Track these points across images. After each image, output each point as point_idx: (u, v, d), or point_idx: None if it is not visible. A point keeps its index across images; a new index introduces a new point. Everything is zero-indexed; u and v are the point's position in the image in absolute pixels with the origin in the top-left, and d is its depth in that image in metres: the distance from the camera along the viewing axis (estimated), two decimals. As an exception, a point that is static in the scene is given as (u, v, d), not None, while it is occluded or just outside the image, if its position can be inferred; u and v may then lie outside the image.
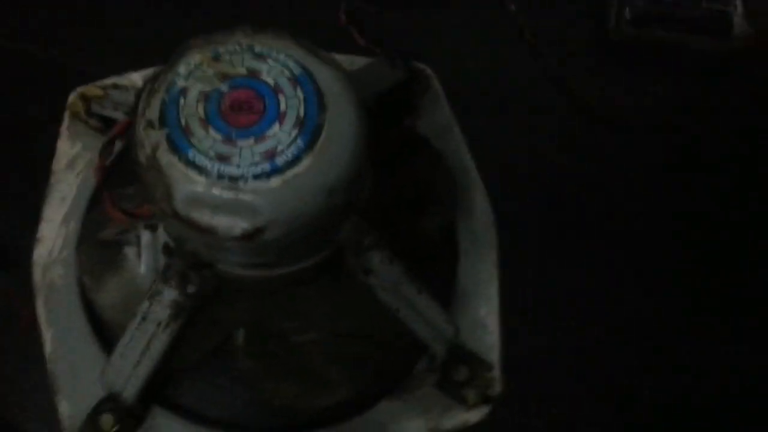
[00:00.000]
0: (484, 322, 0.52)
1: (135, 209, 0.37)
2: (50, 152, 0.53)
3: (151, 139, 0.33)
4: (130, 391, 0.44)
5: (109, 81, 0.55)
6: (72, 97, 0.54)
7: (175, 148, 0.33)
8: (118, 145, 0.46)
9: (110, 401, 0.45)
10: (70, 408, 0.47)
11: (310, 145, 0.33)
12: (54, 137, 0.54)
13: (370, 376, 0.49)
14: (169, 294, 0.40)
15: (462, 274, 0.53)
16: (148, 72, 0.56)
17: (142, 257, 0.48)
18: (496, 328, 0.52)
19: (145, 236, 0.48)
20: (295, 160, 0.33)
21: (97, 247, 0.48)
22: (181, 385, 0.48)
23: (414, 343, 0.49)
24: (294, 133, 0.34)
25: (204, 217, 0.33)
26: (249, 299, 0.45)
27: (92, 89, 0.54)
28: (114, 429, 0.45)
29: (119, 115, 0.46)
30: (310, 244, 0.38)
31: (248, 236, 0.33)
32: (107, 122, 0.52)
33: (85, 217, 0.51)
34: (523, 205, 0.70)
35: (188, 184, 0.32)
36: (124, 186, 0.47)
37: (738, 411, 0.72)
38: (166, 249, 0.39)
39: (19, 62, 0.64)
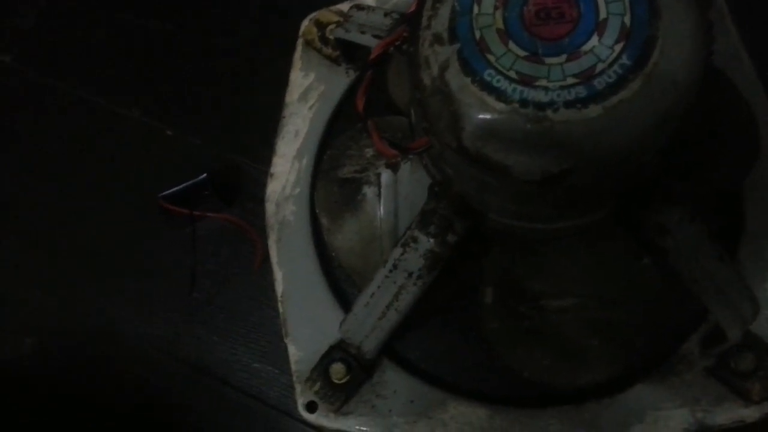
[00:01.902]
0: (774, 301, 0.42)
1: (407, 143, 0.32)
2: (276, 81, 0.50)
3: (438, 57, 0.27)
4: (370, 344, 0.41)
5: (342, 6, 0.51)
6: (306, 24, 0.51)
7: (467, 68, 0.27)
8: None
9: (340, 349, 0.43)
10: (299, 353, 0.44)
11: (639, 63, 0.26)
12: (278, 67, 0.50)
13: (632, 352, 0.41)
14: (427, 242, 0.35)
15: (748, 240, 0.43)
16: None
17: (382, 199, 0.44)
18: (788, 309, 0.42)
19: (386, 176, 0.44)
20: (620, 82, 0.26)
21: (335, 184, 0.45)
22: (414, 340, 0.44)
23: (684, 319, 0.41)
24: (618, 47, 0.26)
25: (498, 153, 0.26)
26: (502, 253, 0.39)
27: (327, 14, 0.50)
28: (344, 380, 0.42)
29: (367, 39, 0.41)
30: (610, 192, 0.31)
31: (551, 180, 0.26)
32: (346, 49, 0.48)
33: (321, 152, 0.48)
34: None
35: (482, 112, 0.26)
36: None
37: None
38: (434, 190, 0.33)
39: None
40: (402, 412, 0.42)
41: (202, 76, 0.61)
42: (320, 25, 0.50)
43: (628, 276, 0.40)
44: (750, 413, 0.40)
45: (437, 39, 0.27)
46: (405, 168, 0.43)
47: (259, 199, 0.48)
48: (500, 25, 0.27)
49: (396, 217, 0.43)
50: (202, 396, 0.52)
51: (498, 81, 0.26)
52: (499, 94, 0.26)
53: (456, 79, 0.27)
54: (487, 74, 0.26)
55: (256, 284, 0.54)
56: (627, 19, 0.26)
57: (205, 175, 0.53)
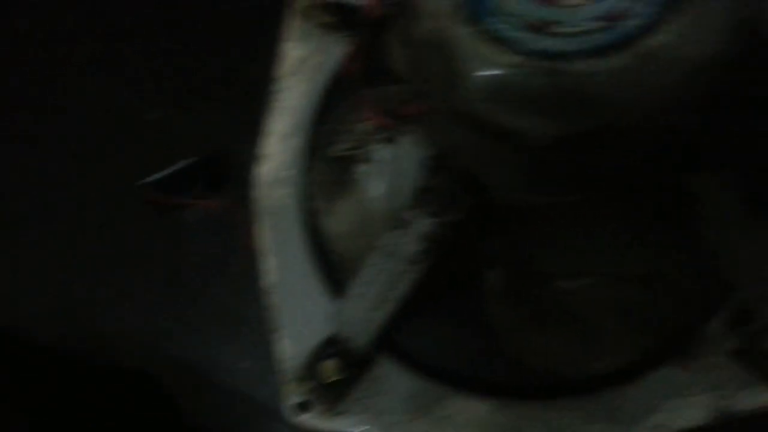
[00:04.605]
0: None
1: (401, 108, 0.28)
2: (269, 54, 0.47)
3: (434, 4, 0.23)
4: (364, 338, 0.37)
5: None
6: (300, -8, 0.47)
7: (469, 15, 0.23)
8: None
9: (334, 344, 0.39)
10: (292, 347, 0.41)
11: (672, 3, 0.22)
12: (271, 38, 0.47)
13: (652, 334, 0.38)
14: (424, 223, 0.32)
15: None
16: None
17: (377, 176, 0.40)
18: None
19: (381, 151, 0.40)
20: (651, 26, 0.22)
21: (328, 163, 0.41)
22: (413, 330, 0.40)
23: (709, 297, 0.37)
24: (649, -16, 0.22)
25: (507, 115, 0.23)
26: (508, 231, 0.36)
27: (322, -20, 0.46)
28: (338, 377, 0.39)
29: None
30: (639, 158, 0.27)
31: (570, 144, 0.22)
32: (344, 14, 0.44)
33: (317, 129, 0.44)
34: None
35: (487, 67, 0.22)
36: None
37: None
38: (432, 164, 0.30)
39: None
40: (402, 409, 0.39)
41: (187, 51, 0.57)
42: (315, -8, 0.46)
43: (648, 251, 0.36)
44: (778, 399, 0.37)
45: (433, -18, 0.23)
46: (405, 142, 0.39)
47: (251, 182, 0.45)
48: (507, -38, 0.23)
49: (394, 196, 0.39)
50: (186, 395, 0.49)
51: (505, 29, 0.22)
52: (507, 45, 0.22)
53: (454, 28, 0.23)
54: (492, 21, 0.23)
55: (246, 275, 0.50)
56: (659, -47, 0.22)
57: (191, 159, 0.49)
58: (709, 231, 0.31)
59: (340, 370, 0.39)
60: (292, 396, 0.39)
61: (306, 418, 0.39)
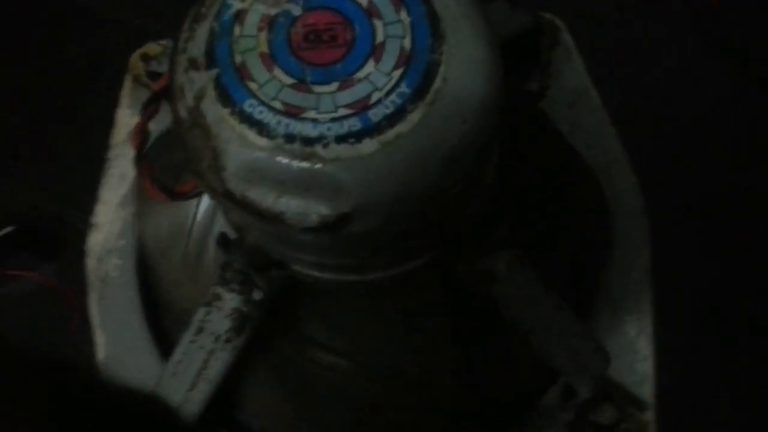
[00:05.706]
0: (635, 345, 0.40)
1: (177, 186, 0.27)
2: (108, 120, 0.45)
3: (193, 85, 0.23)
4: (184, 420, 0.35)
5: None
6: (133, 59, 0.46)
7: (226, 97, 0.23)
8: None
9: (168, 423, 0.37)
10: (124, 428, 0.38)
11: (419, 92, 0.23)
12: (111, 102, 0.46)
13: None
14: (231, 300, 0.31)
15: (603, 282, 0.41)
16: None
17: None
18: (650, 352, 0.40)
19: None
20: (399, 113, 0.22)
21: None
22: (247, 405, 0.39)
23: (539, 370, 0.37)
24: (396, 74, 0.23)
25: (266, 197, 0.22)
26: (328, 306, 0.35)
27: (154, 47, 0.46)
28: (171, 457, 0.37)
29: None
30: (414, 238, 0.27)
31: (329, 226, 0.22)
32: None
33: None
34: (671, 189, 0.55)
35: (244, 150, 0.22)
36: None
37: None
38: (224, 241, 0.29)
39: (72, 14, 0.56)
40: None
41: (21, 113, 0.55)
42: (147, 59, 0.45)
43: (419, 348, 0.35)
44: (616, 472, 0.37)
45: (193, 64, 0.23)
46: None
47: (80, 252, 0.43)
48: (264, 48, 0.23)
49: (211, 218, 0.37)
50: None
51: (260, 112, 0.22)
52: (261, 128, 0.22)
53: (212, 110, 0.23)
54: (248, 104, 0.23)
55: (77, 353, 0.47)
56: (407, 43, 0.23)
57: (10, 228, 0.46)
58: (512, 310, 0.31)
59: (172, 451, 0.37)
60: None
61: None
